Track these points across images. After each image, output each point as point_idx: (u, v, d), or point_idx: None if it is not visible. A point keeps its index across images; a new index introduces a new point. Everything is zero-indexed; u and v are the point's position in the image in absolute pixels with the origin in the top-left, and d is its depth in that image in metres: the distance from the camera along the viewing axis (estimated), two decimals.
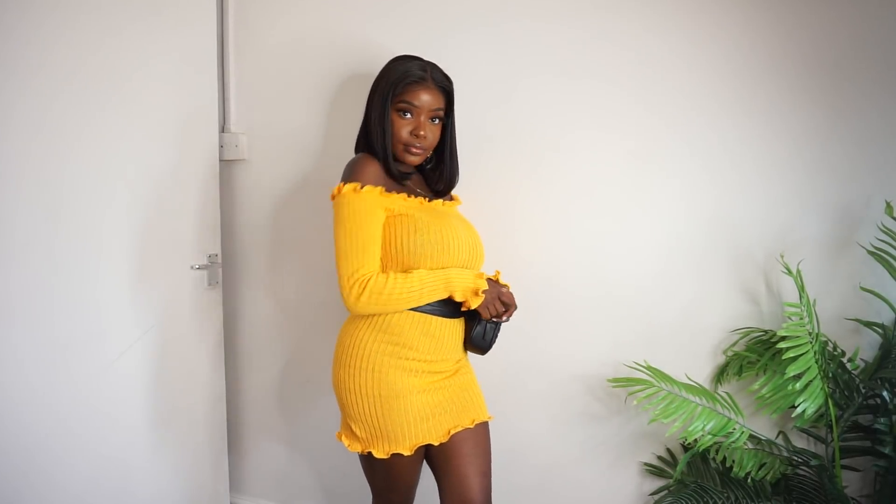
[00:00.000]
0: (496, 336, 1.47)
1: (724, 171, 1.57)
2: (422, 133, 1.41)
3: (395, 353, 1.39)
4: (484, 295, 1.40)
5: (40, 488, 1.58)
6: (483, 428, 1.47)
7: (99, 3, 1.61)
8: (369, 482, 1.52)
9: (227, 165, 2.06)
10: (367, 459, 1.45)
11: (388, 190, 1.40)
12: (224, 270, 2.07)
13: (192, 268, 1.89)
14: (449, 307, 1.42)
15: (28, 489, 1.55)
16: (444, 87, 1.45)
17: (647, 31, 1.59)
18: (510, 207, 1.75)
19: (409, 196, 1.43)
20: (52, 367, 1.59)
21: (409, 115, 1.41)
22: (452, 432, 1.41)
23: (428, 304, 1.39)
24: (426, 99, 1.41)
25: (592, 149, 1.67)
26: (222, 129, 2.04)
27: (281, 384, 2.12)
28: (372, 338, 1.40)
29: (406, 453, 1.38)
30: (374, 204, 1.35)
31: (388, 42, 1.78)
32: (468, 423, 1.43)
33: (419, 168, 1.56)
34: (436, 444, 1.40)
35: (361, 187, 1.35)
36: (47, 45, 1.52)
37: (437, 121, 1.45)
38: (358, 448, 1.42)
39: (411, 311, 1.39)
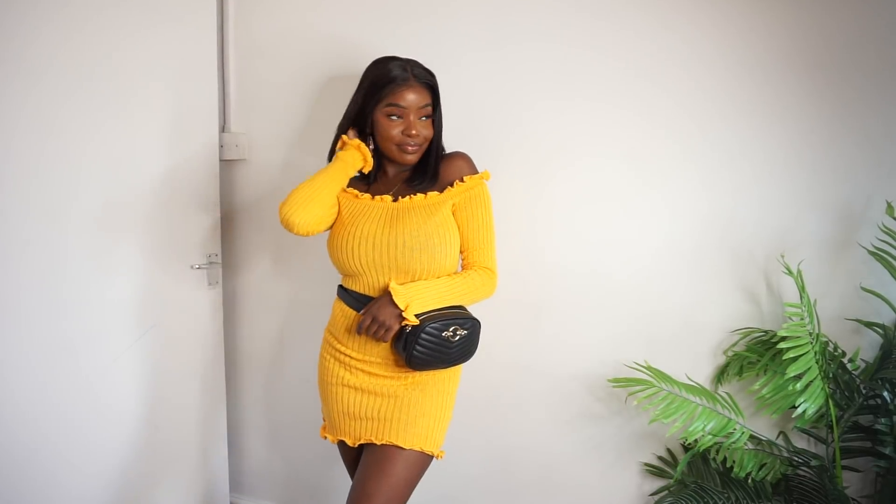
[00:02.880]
0: (416, 346, 1.32)
1: (725, 171, 1.57)
2: (413, 132, 1.40)
3: (331, 343, 1.50)
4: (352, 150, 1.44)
5: (41, 486, 1.58)
6: (394, 452, 1.37)
7: (100, 4, 1.61)
8: None
9: (227, 165, 2.06)
10: None
11: (349, 185, 1.50)
12: (224, 270, 2.07)
13: (192, 268, 1.89)
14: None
15: (29, 487, 1.56)
16: (428, 82, 1.43)
17: (648, 31, 1.59)
18: (509, 207, 1.75)
19: (346, 189, 1.48)
20: (53, 367, 1.59)
21: (398, 118, 1.41)
22: (362, 440, 1.43)
23: (347, 298, 1.45)
24: (412, 98, 1.40)
25: (593, 148, 1.67)
26: (222, 129, 2.03)
27: (281, 384, 2.12)
28: (326, 326, 1.55)
29: (330, 439, 1.52)
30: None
31: (388, 43, 1.77)
32: (375, 439, 1.40)
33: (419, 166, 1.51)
34: (350, 444, 1.47)
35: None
36: (49, 46, 1.52)
37: (425, 118, 1.43)
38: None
39: (343, 305, 1.46)
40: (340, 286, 1.50)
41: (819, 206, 1.51)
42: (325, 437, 1.55)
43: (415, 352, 1.33)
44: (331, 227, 1.48)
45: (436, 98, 1.46)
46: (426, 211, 1.42)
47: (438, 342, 1.34)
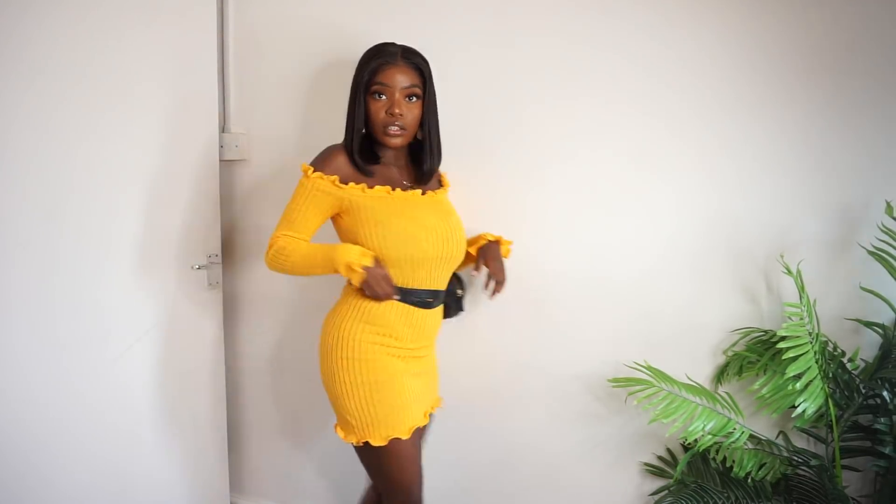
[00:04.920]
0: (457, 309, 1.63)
1: (725, 171, 1.57)
2: (397, 111, 1.39)
3: (381, 342, 1.44)
4: (363, 271, 1.37)
5: (39, 488, 1.58)
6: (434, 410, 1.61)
7: (100, 4, 1.61)
8: (385, 484, 1.47)
9: (227, 165, 2.06)
10: (373, 456, 1.44)
11: (346, 181, 1.42)
12: (224, 270, 2.06)
13: (192, 268, 1.88)
14: (430, 299, 1.48)
15: (27, 489, 1.56)
16: (417, 64, 1.42)
17: (647, 30, 1.59)
18: (510, 207, 1.75)
19: (369, 188, 1.42)
20: (53, 367, 1.58)
21: (383, 97, 1.40)
22: (427, 413, 1.53)
23: (412, 297, 1.45)
24: (398, 78, 1.39)
25: (593, 148, 1.67)
26: (222, 129, 2.03)
27: (281, 384, 2.12)
28: (359, 329, 1.44)
29: (404, 437, 1.42)
30: (320, 191, 1.41)
31: (385, 36, 1.78)
32: (431, 407, 1.57)
33: (412, 157, 1.54)
34: (422, 424, 1.49)
35: (314, 172, 1.41)
36: (49, 45, 1.51)
37: (414, 99, 1.42)
38: (353, 439, 1.44)
39: (395, 303, 1.44)
40: (403, 294, 1.45)
41: (819, 206, 1.52)
42: (391, 440, 1.41)
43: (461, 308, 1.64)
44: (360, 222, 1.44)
45: (426, 82, 1.45)
46: (450, 206, 1.55)
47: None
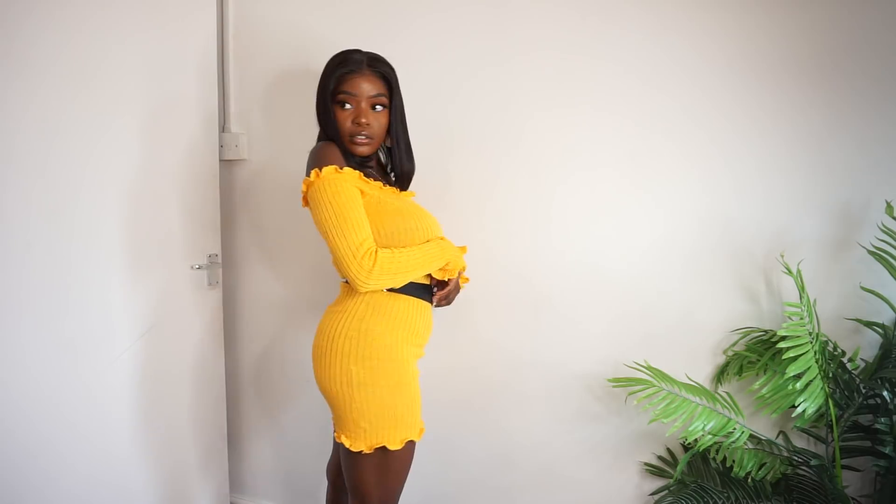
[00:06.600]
0: None
1: (725, 171, 1.57)
2: (363, 120, 1.37)
3: (411, 342, 1.42)
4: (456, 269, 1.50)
5: (41, 487, 1.58)
6: None
7: (101, 5, 1.61)
8: (381, 492, 1.38)
9: (227, 165, 2.06)
10: (381, 463, 1.36)
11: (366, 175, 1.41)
12: (224, 270, 2.06)
13: (192, 268, 1.89)
14: (430, 293, 1.50)
15: (29, 488, 1.56)
16: (383, 72, 1.41)
17: (646, 31, 1.59)
18: (510, 207, 1.75)
19: (384, 185, 1.44)
20: (54, 367, 1.59)
21: (348, 106, 1.38)
22: None
23: (426, 292, 1.47)
24: (364, 87, 1.37)
25: (592, 148, 1.67)
26: (222, 129, 2.04)
27: (281, 384, 2.12)
28: (386, 327, 1.38)
29: (417, 438, 1.40)
30: (356, 185, 1.34)
31: (389, 41, 1.78)
32: None
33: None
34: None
35: (341, 168, 1.32)
36: (53, 49, 1.52)
37: (379, 108, 1.41)
38: (363, 446, 1.34)
39: (417, 300, 1.44)
40: (413, 289, 1.44)
41: (819, 206, 1.52)
42: (407, 442, 1.39)
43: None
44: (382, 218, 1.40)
45: (392, 90, 1.43)
46: None
47: None
